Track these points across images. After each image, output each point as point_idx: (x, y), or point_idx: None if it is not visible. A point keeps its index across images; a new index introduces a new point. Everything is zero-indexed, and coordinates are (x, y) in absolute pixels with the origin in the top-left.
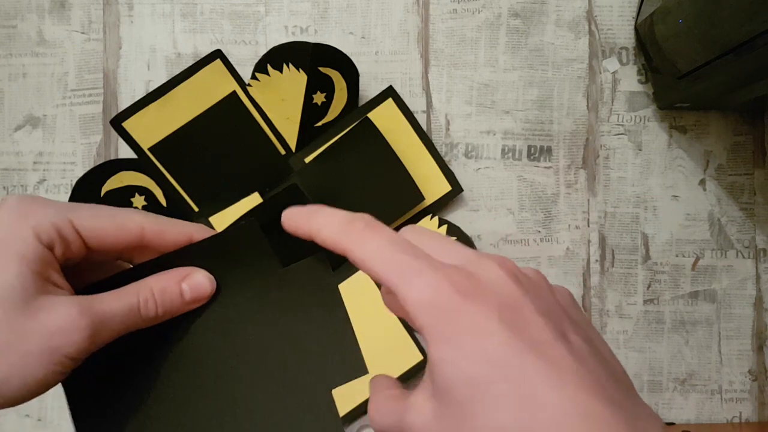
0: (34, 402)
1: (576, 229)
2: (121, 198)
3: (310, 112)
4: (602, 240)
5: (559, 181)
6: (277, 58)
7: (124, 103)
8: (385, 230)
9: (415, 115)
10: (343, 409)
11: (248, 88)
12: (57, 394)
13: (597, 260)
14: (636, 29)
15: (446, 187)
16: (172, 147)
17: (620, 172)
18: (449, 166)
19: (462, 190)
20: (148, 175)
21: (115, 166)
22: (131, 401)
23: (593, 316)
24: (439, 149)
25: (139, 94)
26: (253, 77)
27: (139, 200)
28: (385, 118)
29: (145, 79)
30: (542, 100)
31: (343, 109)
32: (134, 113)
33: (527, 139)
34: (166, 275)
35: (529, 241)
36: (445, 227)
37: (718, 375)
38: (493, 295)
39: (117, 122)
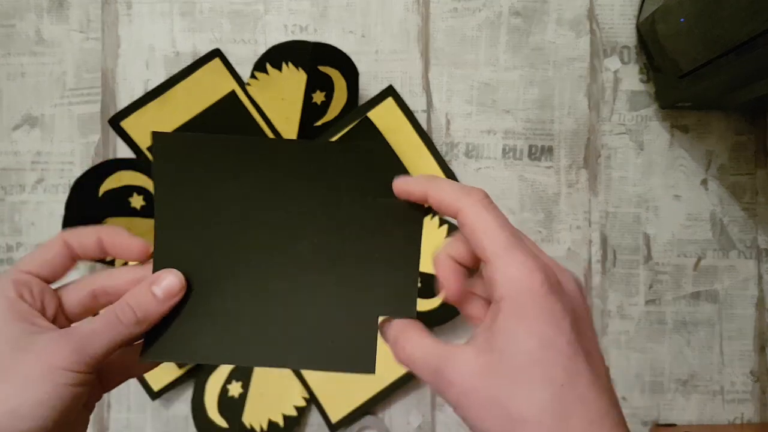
0: None
1: (577, 229)
2: (120, 197)
3: (310, 112)
4: (604, 240)
5: (560, 180)
6: (276, 57)
7: (123, 103)
8: (497, 209)
9: (416, 114)
10: (343, 410)
11: (247, 87)
12: None
13: (598, 260)
14: (637, 28)
15: None
16: None
17: (621, 172)
18: (449, 166)
19: None
20: (146, 175)
21: (114, 165)
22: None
23: (595, 317)
24: (439, 149)
25: (138, 93)
26: (253, 76)
27: (137, 200)
28: (385, 118)
29: (143, 78)
30: (543, 100)
31: (342, 109)
32: (133, 112)
33: (528, 139)
34: (139, 286)
35: None
36: (445, 227)
37: (720, 376)
38: (569, 302)
39: (115, 121)
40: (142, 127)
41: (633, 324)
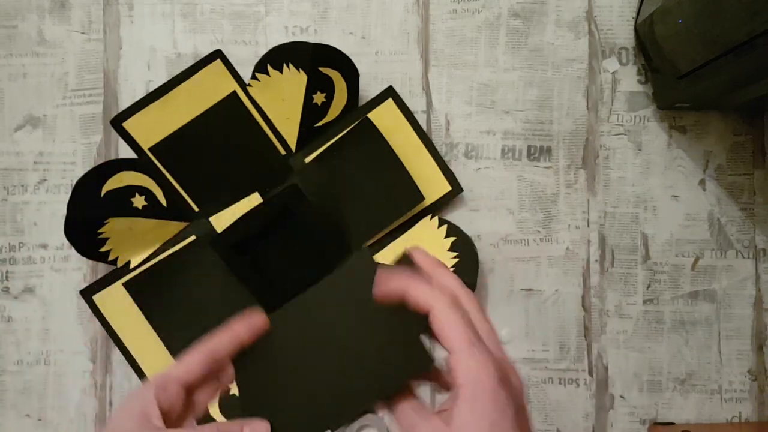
0: (35, 402)
1: (576, 229)
2: (122, 198)
3: (310, 112)
4: (602, 240)
5: (559, 181)
6: (277, 58)
7: (125, 103)
8: (462, 309)
9: (415, 115)
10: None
11: (248, 88)
12: (56, 393)
13: (597, 260)
14: (636, 29)
15: (446, 187)
16: (172, 147)
17: (620, 172)
18: (449, 166)
19: (462, 190)
20: (148, 175)
21: (116, 166)
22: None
23: (593, 316)
24: (439, 149)
25: (140, 94)
26: (253, 77)
27: (139, 200)
28: (385, 118)
29: (145, 79)
30: (542, 100)
31: (343, 109)
32: (134, 113)
33: (527, 139)
34: (235, 424)
35: (528, 241)
36: (445, 227)
37: (718, 375)
38: (513, 393)
39: (117, 122)
40: (143, 128)
41: (631, 323)
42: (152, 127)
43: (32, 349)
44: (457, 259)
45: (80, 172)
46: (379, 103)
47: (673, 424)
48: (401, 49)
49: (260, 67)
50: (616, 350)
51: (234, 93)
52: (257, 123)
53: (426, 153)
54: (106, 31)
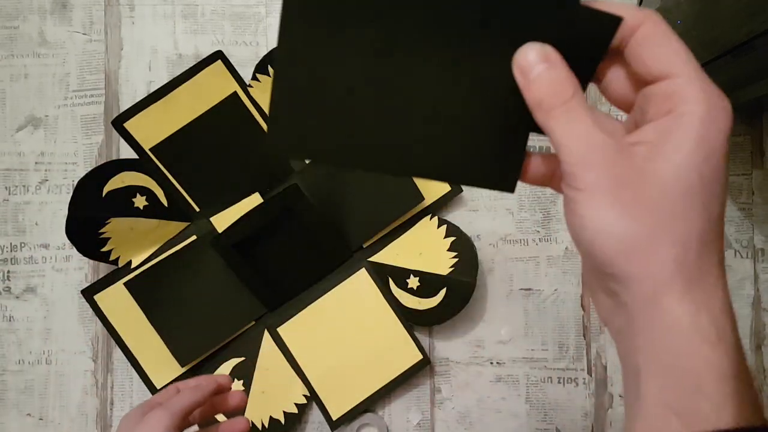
0: (36, 401)
1: None
2: (123, 198)
3: None
4: None
5: None
6: None
7: (126, 104)
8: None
9: None
10: (343, 407)
11: (249, 89)
12: (57, 393)
13: None
14: None
15: (446, 187)
16: (173, 147)
17: None
18: None
19: (462, 190)
20: (149, 176)
21: (117, 166)
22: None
23: (592, 316)
24: None
25: (141, 94)
26: (254, 78)
27: (140, 200)
28: None
29: (146, 79)
30: None
31: None
32: (136, 114)
33: None
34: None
35: (528, 241)
36: (444, 227)
37: None
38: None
39: (118, 123)
40: (145, 128)
41: None
42: (153, 128)
43: (34, 348)
44: (456, 259)
45: (81, 172)
46: None
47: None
48: None
49: (261, 68)
50: (614, 349)
51: (235, 93)
52: (258, 123)
53: None
54: (107, 31)
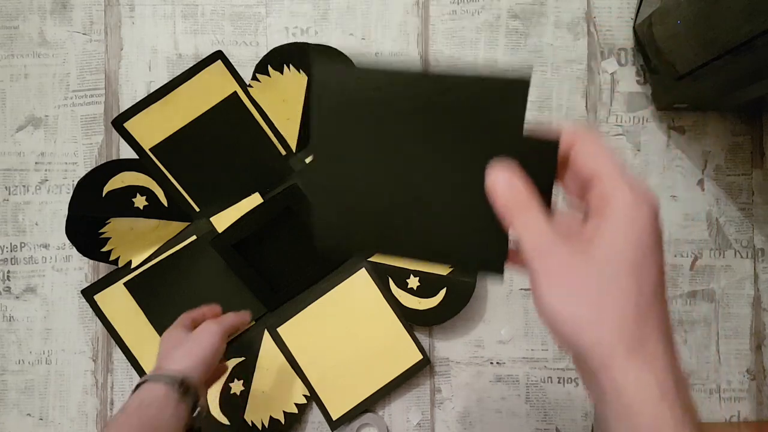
0: (36, 401)
1: None
2: (123, 198)
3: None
4: None
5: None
6: (277, 59)
7: (126, 104)
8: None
9: None
10: (343, 407)
11: (249, 89)
12: (57, 392)
13: None
14: (635, 30)
15: None
16: (173, 147)
17: None
18: None
19: None
20: (149, 176)
21: (117, 166)
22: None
23: None
24: None
25: (141, 94)
26: (254, 78)
27: (140, 200)
28: None
29: (146, 79)
30: (541, 101)
31: None
32: (136, 114)
33: None
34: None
35: None
36: None
37: (717, 374)
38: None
39: (118, 123)
40: (145, 128)
41: None
42: (153, 128)
43: (34, 348)
44: None
45: (81, 172)
46: None
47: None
48: (401, 50)
49: (261, 68)
50: None
51: (235, 93)
52: (258, 123)
53: None
54: (107, 32)
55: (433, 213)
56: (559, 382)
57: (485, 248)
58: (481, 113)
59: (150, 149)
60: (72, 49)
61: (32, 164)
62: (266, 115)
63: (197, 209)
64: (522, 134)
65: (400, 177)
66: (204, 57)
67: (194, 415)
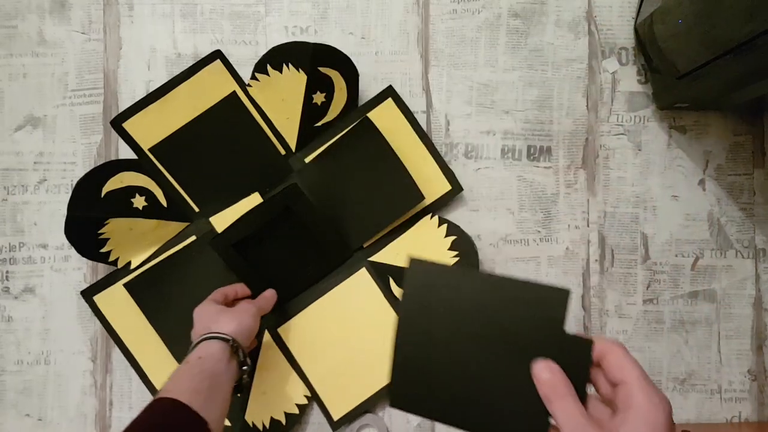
0: (35, 401)
1: (576, 229)
2: (122, 198)
3: (310, 112)
4: (602, 240)
5: (559, 181)
6: (276, 58)
7: (125, 103)
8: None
9: (415, 115)
10: (344, 408)
11: (248, 88)
12: (56, 393)
13: (596, 260)
14: (636, 29)
15: (446, 186)
16: (172, 147)
17: (620, 172)
18: (449, 166)
19: (462, 189)
20: (148, 176)
21: (116, 166)
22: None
23: (593, 316)
24: (439, 149)
25: (140, 94)
26: (253, 77)
27: (139, 200)
28: (385, 118)
29: (145, 79)
30: (542, 101)
31: (343, 109)
32: (134, 114)
33: (527, 139)
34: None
35: (528, 241)
36: (445, 226)
37: (718, 375)
38: None
39: (117, 123)
40: (144, 128)
41: (631, 323)
42: (152, 128)
43: (32, 348)
44: (457, 258)
45: (80, 172)
46: (378, 103)
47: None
48: (401, 49)
49: (260, 68)
50: None
51: (234, 93)
52: (257, 123)
53: (426, 152)
54: (106, 31)
55: (489, 393)
56: None
57: (530, 426)
58: (532, 312)
59: (149, 149)
60: (71, 48)
61: (31, 164)
62: (265, 114)
63: (197, 209)
64: (564, 333)
65: (465, 360)
66: (203, 56)
67: (243, 369)
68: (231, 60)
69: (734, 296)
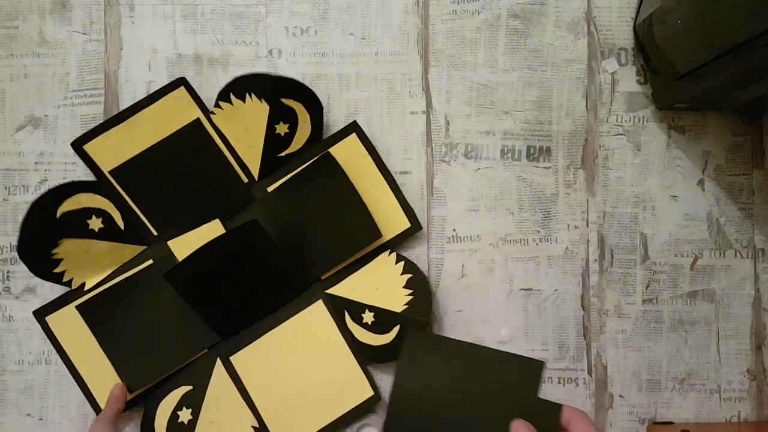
0: (36, 401)
1: (575, 229)
2: (77, 220)
3: (273, 142)
4: (601, 240)
5: (558, 181)
6: (239, 87)
7: (125, 104)
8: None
9: (415, 115)
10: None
11: (212, 116)
12: (57, 393)
13: (596, 260)
14: (635, 30)
15: (405, 224)
16: (133, 170)
17: (619, 173)
18: (448, 165)
19: (421, 228)
20: (107, 198)
21: (73, 188)
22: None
23: (592, 316)
24: (438, 149)
25: (141, 94)
26: (217, 105)
27: (96, 222)
28: (349, 153)
29: (146, 79)
30: (541, 101)
31: (307, 141)
32: (96, 136)
33: (526, 140)
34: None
35: (528, 241)
36: (402, 264)
37: (717, 374)
38: None
39: (78, 145)
40: (105, 151)
41: (630, 323)
42: (114, 150)
43: (33, 348)
44: (411, 297)
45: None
46: (343, 137)
47: (672, 423)
48: (401, 50)
49: (223, 96)
50: (615, 350)
51: (197, 120)
52: (220, 150)
53: (387, 189)
54: (107, 31)
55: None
56: (559, 383)
57: None
58: (512, 380)
59: (109, 171)
60: (72, 48)
61: (32, 164)
62: (229, 142)
63: (155, 233)
64: (538, 398)
65: (452, 419)
66: (204, 56)
67: None
68: (231, 60)
69: (733, 296)
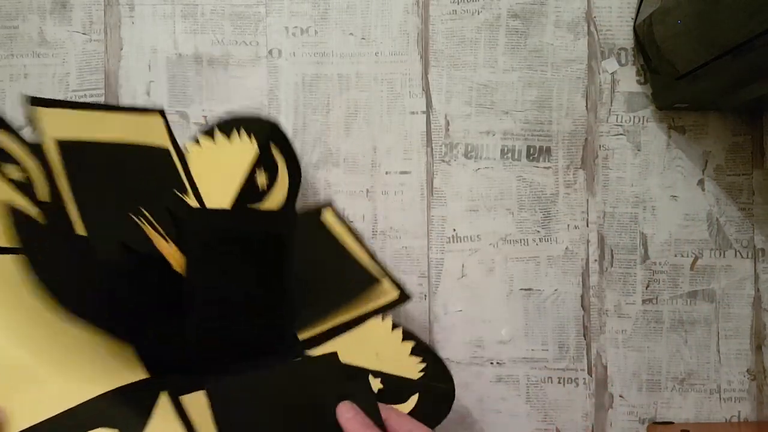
0: None
1: (575, 229)
2: None
3: (249, 191)
4: (601, 240)
5: (558, 181)
6: (231, 124)
7: (125, 103)
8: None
9: (415, 115)
10: None
11: (186, 153)
12: None
13: (596, 260)
14: (635, 30)
15: (393, 295)
16: (82, 153)
17: (619, 173)
18: (448, 165)
19: (410, 298)
20: (35, 161)
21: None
22: None
23: (592, 316)
24: (438, 150)
25: (140, 94)
26: (196, 141)
27: (11, 170)
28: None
29: (146, 79)
30: (541, 101)
31: (282, 206)
32: (58, 107)
33: (526, 140)
34: None
35: (528, 241)
36: (400, 330)
37: (717, 374)
38: None
39: (34, 103)
40: (60, 122)
41: (630, 323)
42: (69, 126)
43: None
44: (424, 364)
45: None
46: (319, 211)
47: (672, 423)
48: (401, 50)
49: (207, 133)
50: (615, 350)
51: (167, 150)
52: (184, 185)
53: (371, 261)
54: (107, 31)
55: None
56: (559, 383)
57: None
58: (320, 378)
59: (58, 140)
60: (72, 48)
61: None
62: (195, 185)
63: (84, 233)
64: (346, 377)
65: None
66: (204, 56)
67: None
68: (231, 60)
69: (733, 296)
